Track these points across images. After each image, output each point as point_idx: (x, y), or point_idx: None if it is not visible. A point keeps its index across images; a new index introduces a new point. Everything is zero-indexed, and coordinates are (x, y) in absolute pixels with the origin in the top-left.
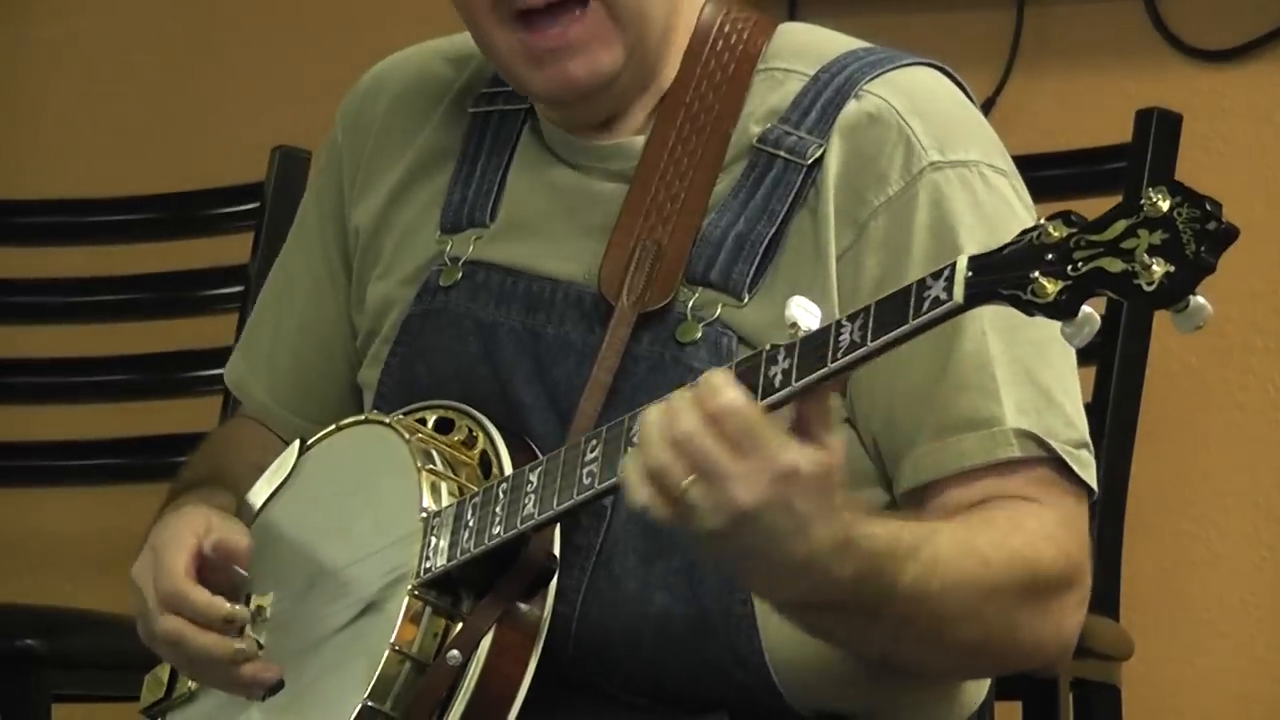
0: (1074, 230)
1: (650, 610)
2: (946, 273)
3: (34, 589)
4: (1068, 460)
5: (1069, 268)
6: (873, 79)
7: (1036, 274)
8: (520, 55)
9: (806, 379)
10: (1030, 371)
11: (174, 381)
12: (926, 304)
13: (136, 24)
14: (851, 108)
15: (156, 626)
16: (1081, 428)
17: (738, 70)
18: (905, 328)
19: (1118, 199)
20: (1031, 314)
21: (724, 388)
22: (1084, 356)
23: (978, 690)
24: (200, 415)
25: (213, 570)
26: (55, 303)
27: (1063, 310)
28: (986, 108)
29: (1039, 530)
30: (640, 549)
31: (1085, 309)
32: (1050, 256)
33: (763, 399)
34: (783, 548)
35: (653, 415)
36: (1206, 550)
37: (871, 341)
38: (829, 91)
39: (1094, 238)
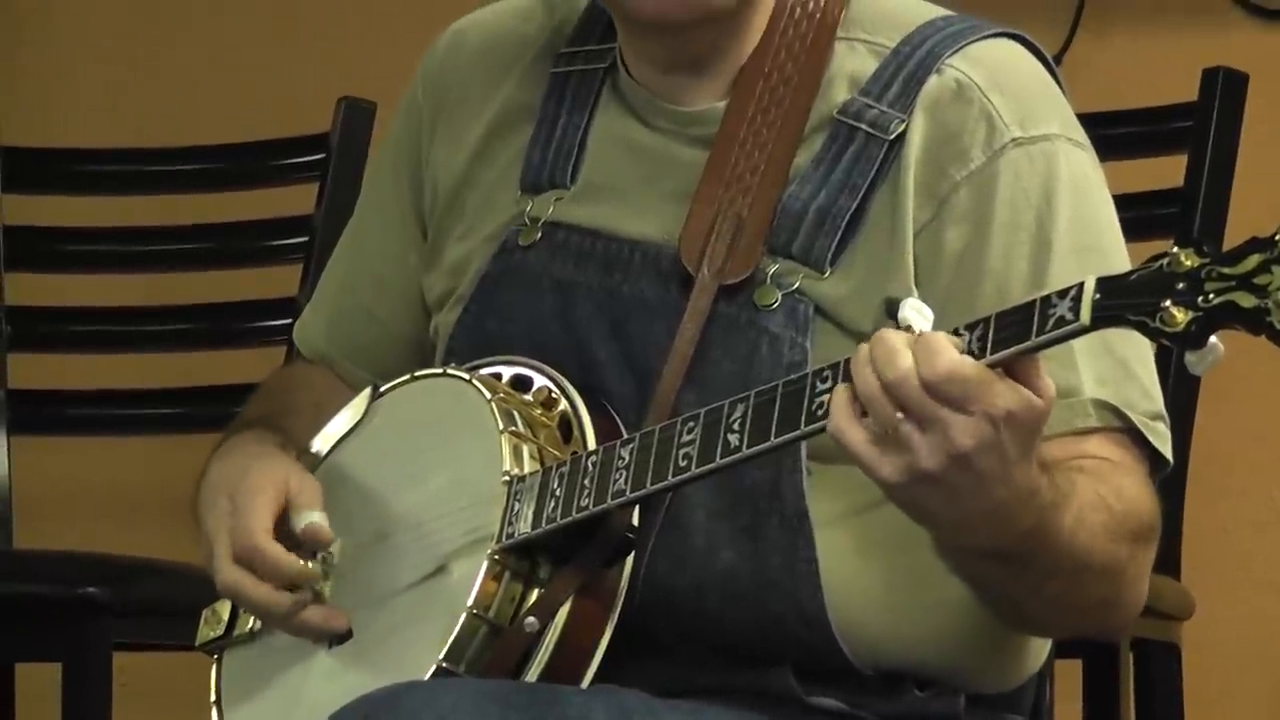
0: (1206, 261)
1: (716, 567)
2: (1073, 292)
3: (97, 537)
4: (1144, 431)
5: (1199, 299)
6: (954, 53)
7: (1168, 303)
8: None
9: None
10: (1109, 344)
11: (237, 331)
12: (1051, 322)
13: None
14: (933, 83)
15: (219, 577)
16: (1157, 399)
17: (816, 39)
18: (1026, 344)
19: (1183, 158)
20: (1158, 341)
21: (943, 354)
22: None
23: (1041, 652)
24: (263, 366)
25: (285, 523)
26: (119, 251)
27: (1191, 341)
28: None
29: (1132, 487)
30: (708, 506)
31: (1212, 339)
32: (1181, 285)
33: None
34: (984, 491)
35: (867, 360)
36: (1267, 510)
37: (991, 354)
38: (910, 65)
39: (1227, 270)
